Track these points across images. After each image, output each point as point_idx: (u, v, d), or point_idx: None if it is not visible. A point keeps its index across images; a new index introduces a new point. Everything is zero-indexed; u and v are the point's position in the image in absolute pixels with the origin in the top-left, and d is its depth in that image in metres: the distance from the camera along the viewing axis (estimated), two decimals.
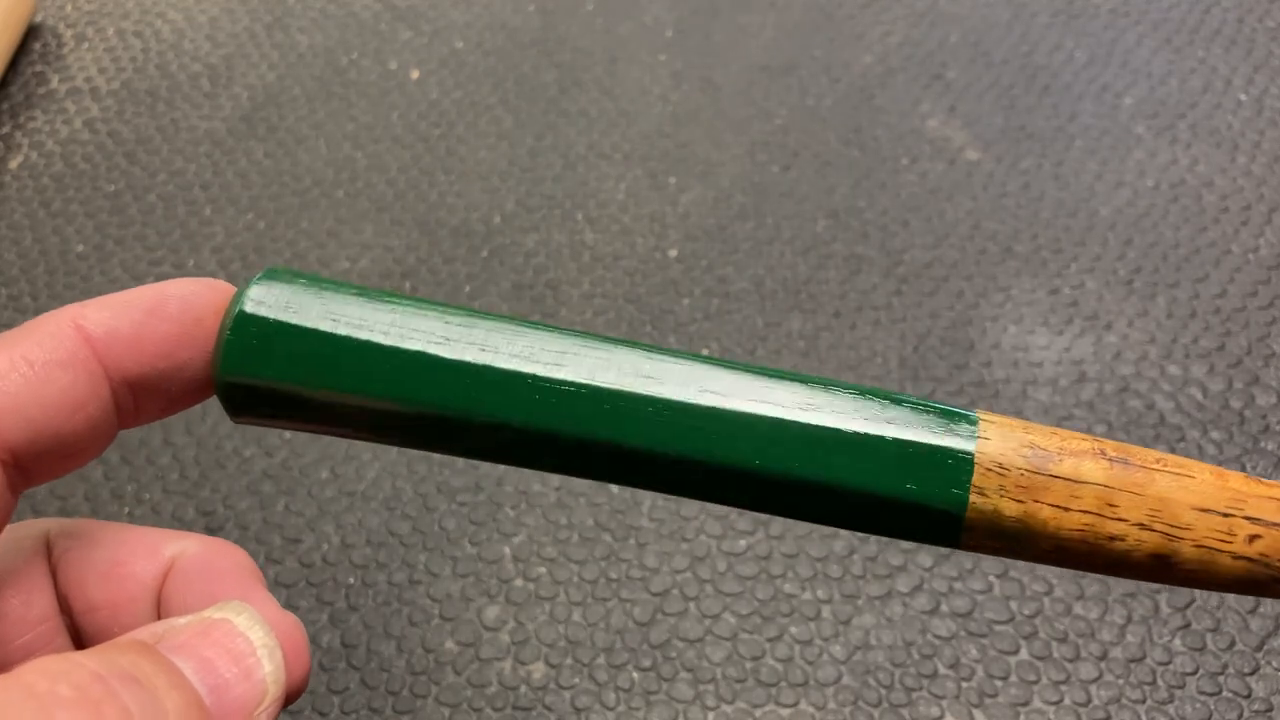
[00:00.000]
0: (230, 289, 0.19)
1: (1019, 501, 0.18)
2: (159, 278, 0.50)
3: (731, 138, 0.55)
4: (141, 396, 0.19)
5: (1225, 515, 0.17)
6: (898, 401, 0.18)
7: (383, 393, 0.18)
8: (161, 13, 0.62)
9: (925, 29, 0.60)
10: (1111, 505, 0.17)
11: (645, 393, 0.18)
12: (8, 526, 0.19)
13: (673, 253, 0.50)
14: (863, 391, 0.18)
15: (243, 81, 0.58)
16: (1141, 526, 0.17)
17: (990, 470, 0.18)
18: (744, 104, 0.56)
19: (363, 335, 0.18)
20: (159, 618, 0.19)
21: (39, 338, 0.18)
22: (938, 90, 0.57)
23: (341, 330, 0.18)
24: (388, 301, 0.19)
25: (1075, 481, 0.17)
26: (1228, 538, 0.17)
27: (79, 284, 0.49)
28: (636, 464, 0.18)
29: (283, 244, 0.51)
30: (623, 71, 0.58)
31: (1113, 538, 0.18)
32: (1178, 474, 0.18)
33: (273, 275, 0.19)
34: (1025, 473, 0.18)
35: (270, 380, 0.18)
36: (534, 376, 0.18)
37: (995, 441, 0.18)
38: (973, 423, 0.18)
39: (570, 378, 0.18)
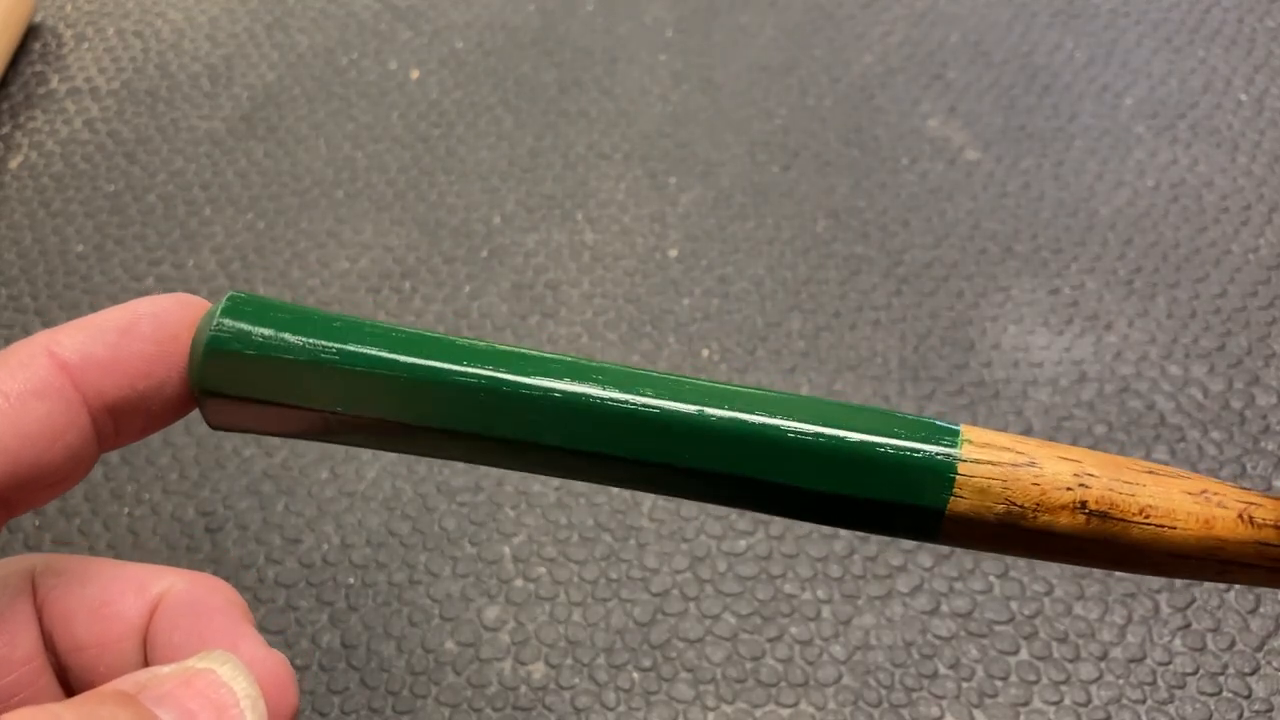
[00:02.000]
0: (202, 303, 0.19)
1: (987, 543, 0.18)
2: (159, 278, 0.50)
3: (731, 138, 0.55)
4: (121, 418, 0.18)
5: (1198, 560, 0.18)
6: (874, 440, 0.18)
7: (343, 402, 0.19)
8: (161, 13, 0.62)
9: (925, 29, 0.60)
10: (1081, 551, 0.18)
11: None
12: None
13: (673, 253, 0.50)
14: (840, 424, 0.18)
15: (243, 81, 0.58)
16: (1107, 564, 0.18)
17: (959, 522, 0.18)
18: (744, 104, 0.56)
19: (328, 350, 0.19)
20: (145, 656, 0.18)
21: (12, 368, 0.17)
22: (938, 90, 0.57)
23: (309, 342, 0.19)
24: (345, 324, 0.19)
25: (1048, 534, 0.18)
26: (1194, 573, 0.18)
27: (79, 284, 0.49)
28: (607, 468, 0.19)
29: (283, 244, 0.51)
30: (623, 71, 0.58)
31: (1079, 564, 0.18)
32: (1159, 526, 0.18)
33: (241, 298, 0.19)
34: (996, 526, 0.18)
35: (248, 387, 0.19)
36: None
37: (968, 500, 0.18)
38: (950, 477, 0.18)
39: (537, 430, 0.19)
